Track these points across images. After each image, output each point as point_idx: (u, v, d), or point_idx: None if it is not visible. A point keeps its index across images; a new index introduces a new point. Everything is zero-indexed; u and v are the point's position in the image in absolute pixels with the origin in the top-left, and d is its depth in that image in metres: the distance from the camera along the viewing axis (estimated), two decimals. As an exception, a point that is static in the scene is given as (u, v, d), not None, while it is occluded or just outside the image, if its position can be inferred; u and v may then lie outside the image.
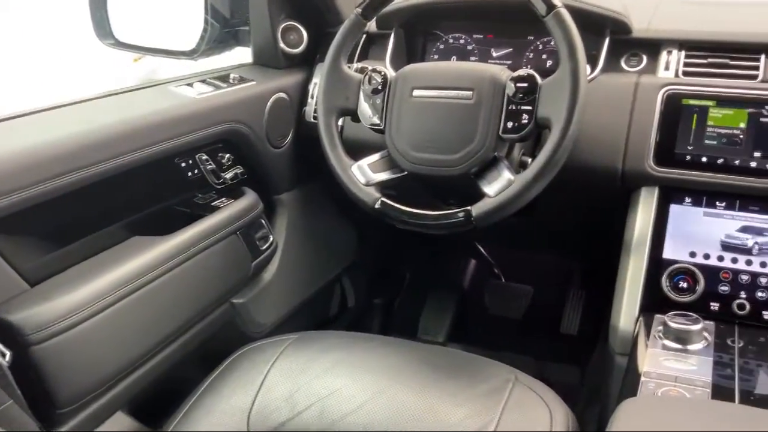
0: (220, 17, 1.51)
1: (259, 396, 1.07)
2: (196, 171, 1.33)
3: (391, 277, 2.10)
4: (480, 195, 1.09)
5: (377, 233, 1.87)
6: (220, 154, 1.38)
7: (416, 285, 2.08)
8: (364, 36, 1.49)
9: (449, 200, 1.29)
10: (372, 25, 1.47)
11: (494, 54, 1.42)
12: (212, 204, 1.34)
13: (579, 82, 1.02)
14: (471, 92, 1.10)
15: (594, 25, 1.25)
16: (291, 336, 1.20)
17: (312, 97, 1.49)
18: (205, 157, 1.34)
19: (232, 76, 1.40)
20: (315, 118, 1.22)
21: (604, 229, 1.37)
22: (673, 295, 1.15)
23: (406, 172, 1.17)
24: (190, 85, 1.34)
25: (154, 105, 1.22)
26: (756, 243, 1.13)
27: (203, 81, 1.36)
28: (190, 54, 1.48)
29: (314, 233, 1.66)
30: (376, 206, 1.13)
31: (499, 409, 1.00)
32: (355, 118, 1.21)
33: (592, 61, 1.26)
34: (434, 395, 1.03)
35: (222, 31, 1.52)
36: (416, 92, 1.15)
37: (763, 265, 1.12)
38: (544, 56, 1.39)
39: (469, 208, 1.08)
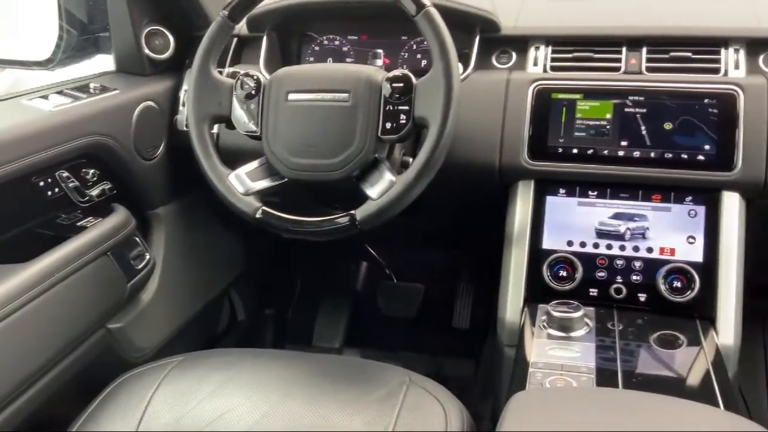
0: (77, 23, 1.41)
1: (142, 426, 0.99)
2: (57, 189, 1.23)
3: (282, 286, 2.05)
4: (363, 198, 1.07)
5: (264, 242, 1.81)
6: (84, 170, 1.28)
7: (308, 292, 2.05)
8: (236, 39, 1.43)
9: (335, 204, 1.27)
10: (244, 28, 1.42)
11: (370, 55, 1.41)
12: (78, 224, 1.24)
13: (452, 80, 1.02)
14: (347, 94, 1.08)
15: (464, 24, 1.27)
16: (175, 358, 1.13)
17: (183, 105, 1.42)
18: (66, 174, 1.24)
19: (92, 85, 1.31)
20: (187, 126, 1.16)
21: (487, 223, 1.39)
22: (554, 284, 1.18)
23: (286, 179, 1.13)
24: (45, 97, 1.23)
25: (2, 121, 1.11)
26: (628, 228, 1.18)
27: (60, 92, 1.26)
28: (46, 64, 1.36)
29: (196, 247, 1.58)
30: (257, 216, 1.09)
31: (394, 413, 0.98)
32: (230, 125, 1.16)
33: (465, 59, 1.28)
34: (329, 406, 1.00)
35: (80, 37, 1.42)
36: (291, 96, 1.11)
37: (635, 249, 1.18)
38: (418, 56, 1.39)
39: (353, 212, 1.06)
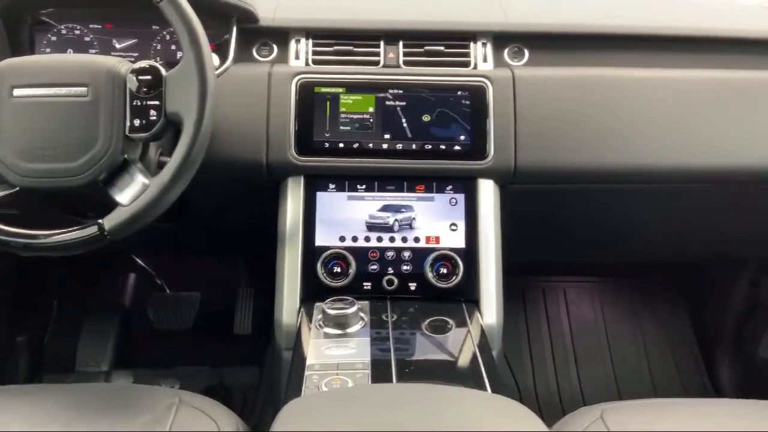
0: None
1: None
2: None
3: (36, 308, 1.81)
4: (113, 204, 0.96)
5: (7, 260, 1.58)
6: None
7: (68, 312, 1.83)
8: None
9: (87, 213, 1.13)
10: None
11: (117, 45, 1.28)
12: None
13: (206, 71, 0.95)
14: (85, 88, 0.96)
15: (219, 14, 1.20)
16: None
17: None
18: None
19: None
20: None
21: (262, 223, 1.34)
22: (329, 281, 1.16)
23: (18, 188, 0.98)
24: None
25: None
26: (396, 220, 1.20)
27: None
28: None
29: None
30: None
31: None
32: None
33: (223, 51, 1.21)
34: None
35: None
36: (17, 92, 0.96)
37: (404, 240, 1.19)
38: (173, 47, 1.29)
39: (100, 221, 0.94)
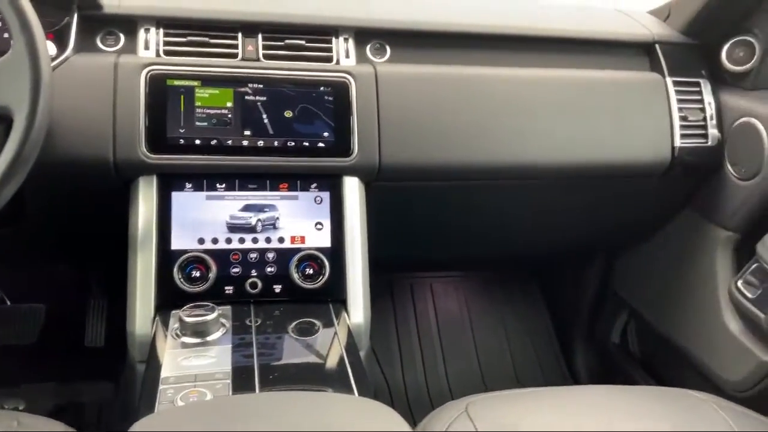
0: None
1: None
2: None
3: None
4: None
5: None
6: None
7: None
8: None
9: None
10: None
11: None
12: None
13: (39, 59, 0.86)
14: None
15: None
16: None
17: None
18: None
19: None
20: None
21: (112, 226, 1.24)
22: (187, 287, 1.09)
23: None
24: None
25: None
26: (259, 220, 1.15)
27: None
28: None
29: None
30: None
31: None
32: None
33: (62, 40, 1.10)
34: None
35: None
36: None
37: (268, 240, 1.15)
38: (5, 35, 1.16)
39: None
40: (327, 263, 1.15)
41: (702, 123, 1.36)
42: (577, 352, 1.94)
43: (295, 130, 1.16)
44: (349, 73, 1.19)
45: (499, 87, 1.28)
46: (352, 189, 1.19)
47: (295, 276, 1.13)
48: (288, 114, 1.16)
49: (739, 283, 1.29)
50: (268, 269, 1.14)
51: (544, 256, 1.98)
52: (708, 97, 1.38)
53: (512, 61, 1.34)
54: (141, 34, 1.17)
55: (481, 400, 0.99)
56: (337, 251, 1.16)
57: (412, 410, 1.79)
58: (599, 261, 1.83)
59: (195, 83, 1.13)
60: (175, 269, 1.10)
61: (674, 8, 1.45)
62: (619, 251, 1.77)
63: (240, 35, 1.20)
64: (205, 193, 1.14)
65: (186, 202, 1.13)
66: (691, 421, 0.95)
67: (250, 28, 1.20)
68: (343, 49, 1.24)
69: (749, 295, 1.26)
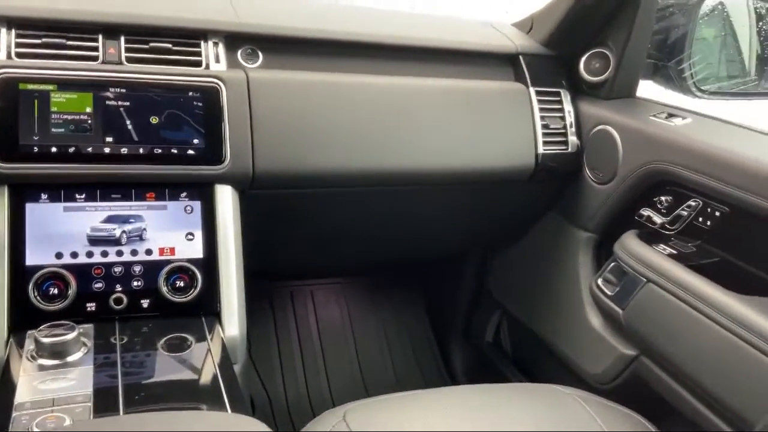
0: None
1: None
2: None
3: None
4: None
5: None
6: None
7: None
8: None
9: None
10: None
11: None
12: None
13: None
14: None
15: None
16: None
17: None
18: None
19: None
20: None
21: None
22: (44, 305, 1.02)
23: None
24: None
25: None
26: (124, 232, 1.09)
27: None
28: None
29: None
30: None
31: None
32: None
33: None
34: None
35: None
36: None
37: (134, 253, 1.09)
38: None
39: None
40: (199, 275, 1.11)
41: (562, 130, 1.44)
42: (455, 352, 2.00)
43: (162, 137, 1.11)
44: (219, 78, 1.16)
45: (373, 95, 1.29)
46: (225, 197, 1.16)
47: (165, 289, 1.09)
48: (154, 120, 1.11)
49: (599, 281, 1.37)
50: (135, 283, 1.08)
51: (423, 261, 2.02)
52: (567, 106, 1.46)
53: (386, 69, 1.36)
54: None
55: (359, 406, 1.00)
56: (209, 262, 1.12)
57: (293, 420, 1.77)
58: (475, 263, 1.89)
59: (50, 87, 1.06)
60: (30, 286, 1.02)
61: (536, 21, 1.53)
62: (492, 253, 1.84)
63: (101, 37, 1.14)
64: (62, 204, 1.07)
65: (42, 214, 1.06)
66: (555, 415, 1.00)
67: (112, 30, 1.14)
68: (212, 53, 1.20)
69: (608, 292, 1.34)
